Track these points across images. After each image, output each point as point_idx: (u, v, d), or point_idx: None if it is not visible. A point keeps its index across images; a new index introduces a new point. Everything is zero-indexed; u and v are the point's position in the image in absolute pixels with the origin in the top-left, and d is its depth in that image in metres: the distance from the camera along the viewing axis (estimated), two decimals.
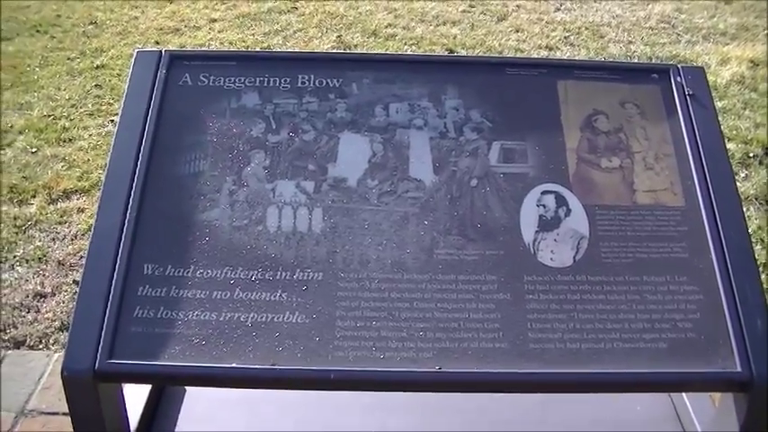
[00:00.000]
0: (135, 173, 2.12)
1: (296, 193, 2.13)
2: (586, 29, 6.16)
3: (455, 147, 2.22)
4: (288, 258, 2.03)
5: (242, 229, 2.07)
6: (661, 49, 5.96)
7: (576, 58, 5.77)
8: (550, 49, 5.89)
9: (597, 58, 5.74)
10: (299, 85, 2.31)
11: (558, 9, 6.41)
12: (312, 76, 2.33)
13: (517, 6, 6.42)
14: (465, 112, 2.28)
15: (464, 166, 2.19)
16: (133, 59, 2.35)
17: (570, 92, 2.34)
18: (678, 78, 2.36)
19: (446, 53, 5.67)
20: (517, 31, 6.05)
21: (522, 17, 6.27)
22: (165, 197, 2.12)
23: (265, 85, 2.31)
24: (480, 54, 5.71)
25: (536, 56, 5.77)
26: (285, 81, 2.32)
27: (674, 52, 5.95)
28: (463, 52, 5.70)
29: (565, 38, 6.02)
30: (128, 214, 2.06)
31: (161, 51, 2.36)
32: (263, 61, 2.42)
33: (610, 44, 6.00)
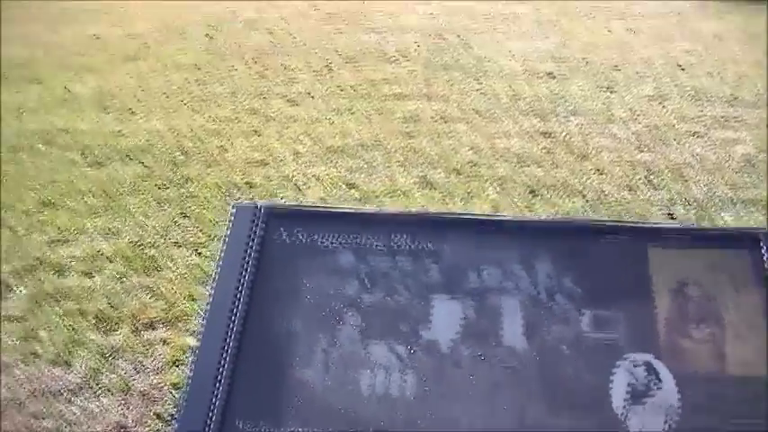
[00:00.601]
0: (232, 328, 2.17)
1: (388, 355, 2.16)
2: (668, 169, 6.16)
3: (546, 313, 2.24)
4: (379, 421, 2.05)
5: (335, 390, 2.10)
6: (744, 192, 5.92)
7: (659, 198, 5.77)
8: (631, 190, 5.89)
9: (680, 202, 5.73)
10: (393, 245, 2.36)
11: (640, 149, 6.44)
12: (405, 237, 2.38)
13: (599, 145, 6.45)
14: (556, 278, 2.30)
15: (555, 333, 2.21)
16: (231, 214, 2.42)
17: (660, 258, 2.35)
18: None
19: (529, 194, 5.72)
20: (599, 172, 6.08)
21: (604, 157, 6.29)
22: (261, 353, 2.17)
23: (360, 244, 2.36)
24: (562, 191, 5.76)
25: (617, 196, 5.79)
26: (379, 240, 2.37)
27: (756, 195, 5.91)
28: (545, 193, 5.74)
29: (646, 178, 6.03)
30: (224, 368, 2.11)
31: (257, 205, 2.44)
32: (358, 220, 2.48)
33: (691, 185, 5.98)
